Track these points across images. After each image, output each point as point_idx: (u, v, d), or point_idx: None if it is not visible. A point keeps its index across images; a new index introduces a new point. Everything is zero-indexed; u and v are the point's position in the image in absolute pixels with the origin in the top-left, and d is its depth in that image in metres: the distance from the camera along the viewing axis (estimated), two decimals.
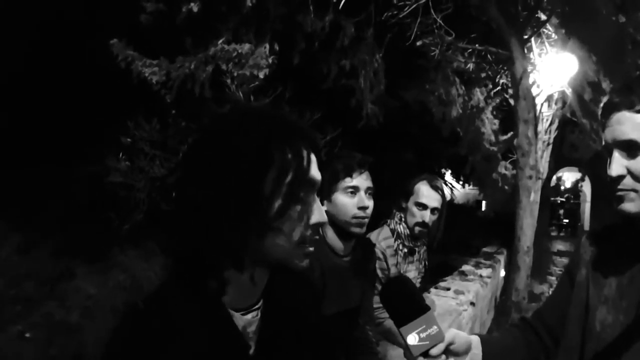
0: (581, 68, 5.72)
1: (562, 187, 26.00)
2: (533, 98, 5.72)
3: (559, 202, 22.45)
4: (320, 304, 1.20)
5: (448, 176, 12.56)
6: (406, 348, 1.04)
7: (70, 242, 7.78)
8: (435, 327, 1.02)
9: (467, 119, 6.59)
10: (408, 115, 6.88)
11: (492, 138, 6.84)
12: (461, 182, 11.30)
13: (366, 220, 1.95)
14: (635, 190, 1.06)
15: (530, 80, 5.76)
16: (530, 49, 6.06)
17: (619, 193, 1.08)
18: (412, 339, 1.01)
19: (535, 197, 5.79)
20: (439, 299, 4.80)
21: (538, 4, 5.75)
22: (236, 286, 0.82)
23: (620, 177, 1.06)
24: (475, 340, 1.25)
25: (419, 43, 5.66)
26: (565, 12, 5.19)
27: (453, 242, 8.62)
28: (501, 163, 7.16)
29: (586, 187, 17.03)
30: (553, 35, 6.21)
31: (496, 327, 6.21)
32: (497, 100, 6.93)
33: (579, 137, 8.12)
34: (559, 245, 14.80)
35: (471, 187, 19.10)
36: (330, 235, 2.00)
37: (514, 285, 5.92)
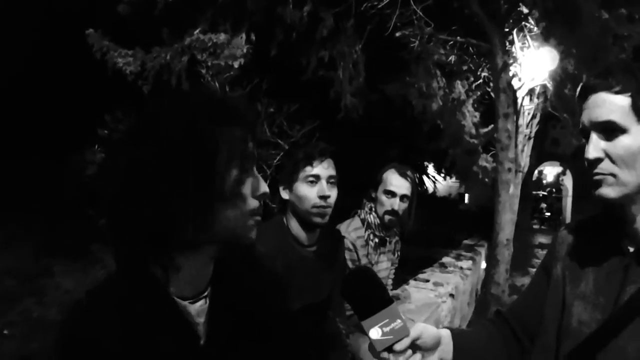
0: (562, 63, 5.72)
1: (544, 181, 26.35)
2: (514, 92, 5.70)
3: (540, 195, 22.74)
4: (282, 294, 1.15)
5: (430, 169, 12.61)
6: (370, 343, 1.00)
7: (52, 238, 7.69)
8: (399, 321, 0.97)
9: (448, 112, 6.56)
10: (389, 108, 6.83)
11: (473, 131, 6.83)
12: (443, 175, 11.32)
13: (328, 210, 1.90)
14: (613, 175, 1.02)
15: (512, 73, 5.74)
16: (512, 42, 6.04)
17: (597, 177, 1.04)
18: (375, 333, 0.96)
19: (514, 190, 5.79)
20: (418, 290, 4.77)
21: None
22: (183, 273, 0.81)
23: (598, 161, 1.02)
24: (446, 334, 1.19)
25: (398, 34, 5.59)
26: (547, 6, 5.16)
27: (434, 235, 8.63)
28: (482, 156, 7.16)
29: (567, 182, 17.23)
30: (535, 29, 6.19)
31: (477, 321, 6.22)
32: (478, 93, 6.91)
33: (561, 132, 8.15)
34: (541, 238, 14.94)
35: (454, 180, 19.24)
36: (294, 225, 1.96)
37: (494, 279, 5.92)
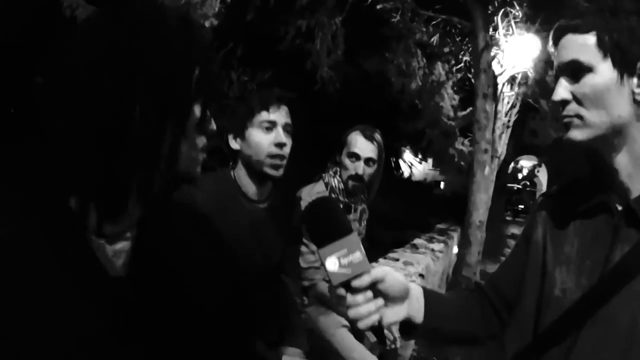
0: (544, 50, 5.67)
1: (520, 175, 26.78)
2: (494, 76, 5.63)
3: (515, 189, 23.07)
4: (218, 250, 1.06)
5: (408, 154, 12.57)
6: (327, 277, 0.89)
7: None
8: (359, 254, 0.87)
9: (427, 92, 6.46)
10: (367, 85, 6.67)
11: (451, 113, 6.74)
12: (419, 159, 11.28)
13: (283, 161, 1.76)
14: (579, 116, 0.96)
15: (495, 60, 5.67)
16: (496, 28, 5.96)
17: (565, 120, 0.98)
18: (332, 264, 0.87)
19: (490, 173, 5.74)
20: None
21: None
22: (108, 210, 0.73)
23: (564, 102, 0.97)
24: (417, 290, 1.07)
25: (379, 6, 5.43)
26: None
27: (407, 218, 8.58)
28: (459, 139, 7.10)
29: (542, 176, 17.47)
30: (519, 15, 6.11)
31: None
32: (459, 76, 6.82)
33: (540, 123, 8.16)
34: (514, 229, 15.15)
35: (430, 167, 19.31)
36: (243, 178, 1.80)
37: (465, 260, 5.88)
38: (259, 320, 1.88)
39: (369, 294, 0.90)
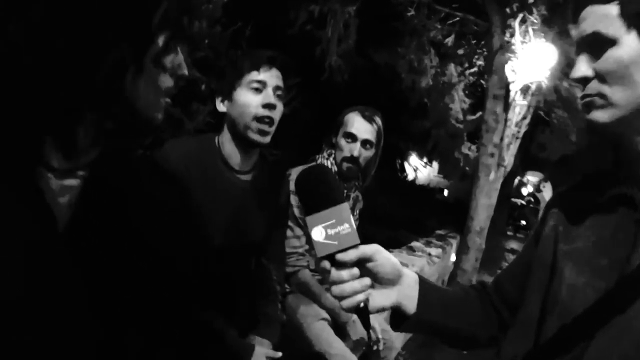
0: (561, 59, 5.50)
1: (525, 191, 26.56)
2: (507, 82, 5.45)
3: (519, 204, 22.85)
4: (178, 210, 1.00)
5: (414, 158, 12.43)
6: (313, 248, 0.86)
7: None
8: (347, 225, 0.82)
9: (437, 92, 6.28)
10: (376, 79, 6.50)
11: (460, 116, 6.57)
12: (424, 163, 11.09)
13: (272, 127, 1.63)
14: (602, 95, 0.86)
15: (509, 67, 5.50)
16: (513, 34, 5.79)
17: (586, 99, 0.88)
18: (318, 234, 0.82)
19: (495, 180, 5.56)
20: None
21: None
22: (76, 141, 0.71)
23: (585, 80, 0.88)
24: (411, 276, 0.98)
25: None
26: None
27: (406, 220, 8.40)
28: (465, 143, 6.92)
29: (546, 193, 17.24)
30: (537, 21, 5.94)
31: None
32: (471, 79, 6.65)
33: (549, 137, 7.98)
34: (514, 244, 15.04)
35: (436, 174, 19.12)
36: (227, 145, 1.67)
37: (462, 267, 5.70)
38: (229, 302, 1.73)
39: (355, 270, 0.84)
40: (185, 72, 0.79)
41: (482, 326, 1.07)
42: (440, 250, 6.69)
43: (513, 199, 18.47)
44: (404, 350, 4.41)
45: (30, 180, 0.69)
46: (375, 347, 2.25)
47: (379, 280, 0.90)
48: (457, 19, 5.78)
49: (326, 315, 2.20)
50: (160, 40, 0.72)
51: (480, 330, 1.06)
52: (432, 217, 9.55)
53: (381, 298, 0.91)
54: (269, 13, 5.56)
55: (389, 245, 6.19)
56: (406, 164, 12.79)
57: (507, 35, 5.25)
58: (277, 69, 1.64)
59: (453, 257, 7.84)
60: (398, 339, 4.12)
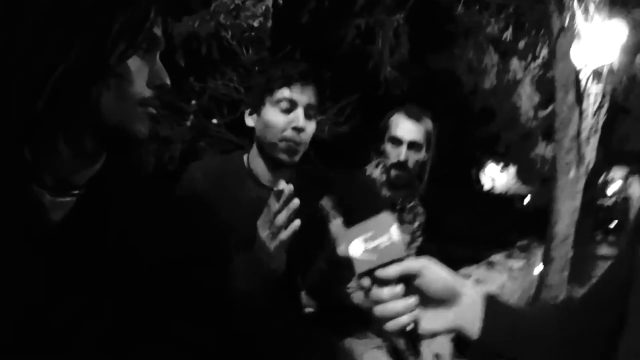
0: (632, 36, 4.95)
1: (611, 190, 24.46)
2: (575, 69, 4.98)
3: (605, 206, 20.94)
4: (183, 232, 0.98)
5: (489, 167, 11.81)
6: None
7: None
8: (387, 237, 0.73)
9: (502, 91, 5.86)
10: (436, 87, 6.22)
11: (531, 114, 6.08)
12: (501, 168, 10.38)
13: (300, 147, 1.50)
14: None
15: (574, 52, 5.03)
16: (573, 17, 5.32)
17: None
18: (356, 249, 0.74)
19: (576, 179, 5.03)
20: None
21: None
22: (58, 158, 0.74)
23: None
24: (473, 295, 0.81)
25: None
26: None
27: (484, 232, 7.88)
28: (540, 143, 6.38)
29: (635, 187, 15.66)
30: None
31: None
32: (537, 72, 6.16)
33: (632, 124, 7.18)
34: (605, 250, 13.83)
35: (514, 181, 18.07)
36: (255, 161, 1.58)
37: (546, 280, 5.12)
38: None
39: (399, 289, 0.74)
40: (167, 81, 0.79)
41: (570, 356, 0.84)
42: (523, 262, 6.19)
43: (599, 200, 16.93)
44: None
45: (23, 193, 0.72)
46: None
47: (429, 300, 0.77)
48: (511, 9, 5.39)
49: (380, 343, 1.97)
50: (120, 48, 0.70)
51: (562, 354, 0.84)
52: (513, 227, 8.93)
53: (433, 320, 0.79)
54: (317, 34, 5.53)
55: (466, 262, 5.81)
56: (481, 174, 12.18)
57: (567, 18, 4.80)
58: (312, 86, 1.51)
59: (538, 270, 7.21)
60: None
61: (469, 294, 0.81)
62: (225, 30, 4.73)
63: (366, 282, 0.75)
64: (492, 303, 0.81)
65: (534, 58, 6.24)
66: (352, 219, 0.76)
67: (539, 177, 7.03)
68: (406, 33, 5.48)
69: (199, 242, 1.01)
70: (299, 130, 1.47)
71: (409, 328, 0.75)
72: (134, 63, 0.74)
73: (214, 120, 6.07)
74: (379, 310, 0.75)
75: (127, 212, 0.84)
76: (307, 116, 1.50)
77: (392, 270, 0.73)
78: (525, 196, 16.79)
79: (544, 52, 6.11)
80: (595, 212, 13.10)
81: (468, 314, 0.80)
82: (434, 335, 0.80)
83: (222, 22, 4.61)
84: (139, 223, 0.85)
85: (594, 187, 10.21)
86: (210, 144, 6.12)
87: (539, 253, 7.51)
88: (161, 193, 0.98)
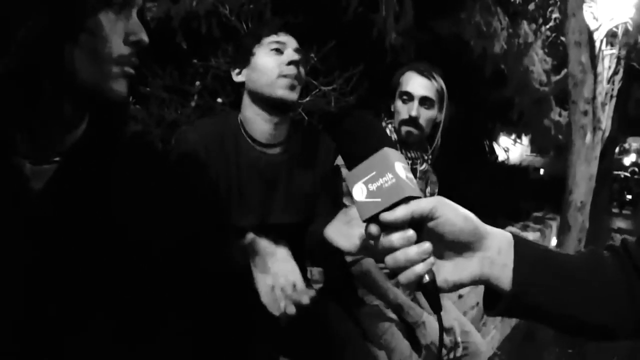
0: None
1: (627, 160, 23.94)
2: (589, 29, 4.75)
3: (622, 176, 20.49)
4: (183, 193, 0.99)
5: (503, 138, 11.60)
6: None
7: None
8: (390, 176, 0.63)
9: (513, 55, 5.65)
10: (442, 52, 6.00)
11: (544, 78, 5.86)
12: (514, 139, 10.09)
13: (298, 82, 1.50)
14: None
15: (588, 13, 4.80)
16: None
17: None
18: (358, 192, 0.65)
19: (592, 144, 4.85)
20: None
21: None
22: (36, 125, 0.73)
23: None
24: (501, 237, 0.68)
25: None
26: None
27: (499, 204, 7.71)
28: (554, 108, 6.16)
29: None
30: None
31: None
32: (548, 35, 5.92)
33: None
34: (620, 223, 13.81)
35: (529, 153, 17.77)
36: (249, 115, 1.53)
37: (563, 250, 4.99)
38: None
39: (410, 233, 0.64)
40: (144, 37, 0.76)
41: (620, 310, 0.69)
42: (538, 234, 6.04)
43: (615, 172, 16.53)
44: (500, 351, 3.88)
45: (2, 164, 0.72)
46: (452, 355, 1.84)
47: (449, 246, 0.67)
48: None
49: (393, 315, 1.87)
50: (90, 3, 0.69)
51: (617, 315, 0.69)
52: (528, 199, 8.74)
53: (454, 269, 0.68)
54: (318, 4, 5.36)
55: None
56: (495, 145, 11.97)
57: None
58: (293, 35, 1.55)
59: (554, 242, 7.06)
60: (489, 340, 3.61)
61: (495, 234, 0.68)
62: (223, 6, 4.57)
63: (373, 229, 0.65)
64: (522, 245, 0.68)
65: (545, 21, 6.01)
66: (353, 160, 0.67)
67: (554, 145, 6.83)
68: None
69: (199, 204, 1.02)
70: (294, 63, 1.48)
71: (426, 279, 0.65)
72: (108, 19, 0.71)
73: (219, 100, 5.98)
74: (390, 260, 0.65)
75: (112, 178, 0.82)
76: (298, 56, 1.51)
77: (400, 212, 0.63)
78: (539, 167, 16.53)
79: (555, 14, 5.88)
80: (611, 183, 12.80)
81: (497, 260, 0.67)
82: (456, 287, 0.69)
83: None
84: (124, 189, 0.83)
85: (610, 157, 9.94)
86: None
87: (554, 225, 7.36)
88: (151, 156, 0.94)
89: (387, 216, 0.64)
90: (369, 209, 0.65)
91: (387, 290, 1.82)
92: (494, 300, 0.69)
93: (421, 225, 0.65)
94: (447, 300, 2.14)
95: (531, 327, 4.20)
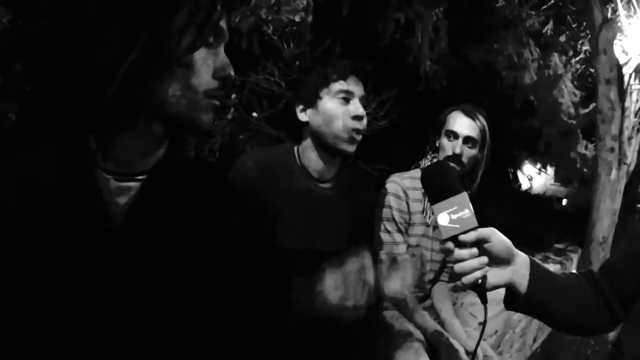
0: None
1: None
2: (618, 64, 4.82)
3: None
4: (245, 220, 1.01)
5: (527, 166, 11.53)
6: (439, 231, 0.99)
7: None
8: (467, 211, 0.96)
9: (543, 86, 5.74)
10: (475, 81, 6.13)
11: (572, 110, 5.94)
12: (539, 168, 10.12)
13: (359, 137, 1.57)
14: None
15: (618, 47, 4.89)
16: (615, 10, 5.16)
17: None
18: (443, 219, 0.97)
19: (617, 180, 4.89)
20: None
21: None
22: (116, 146, 0.77)
23: None
24: (522, 258, 1.05)
25: None
26: None
27: (521, 233, 7.71)
28: (581, 142, 6.22)
29: None
30: None
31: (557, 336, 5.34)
32: (578, 67, 6.01)
33: None
34: None
35: (553, 182, 17.57)
36: (308, 152, 1.63)
37: None
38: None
39: (474, 250, 0.95)
40: (231, 72, 0.81)
41: (592, 314, 1.08)
42: (558, 266, 6.05)
43: (638, 204, 16.11)
44: None
45: (90, 178, 0.75)
46: None
47: (494, 260, 0.98)
48: (552, 1, 5.28)
49: (420, 336, 2.02)
50: (187, 40, 0.73)
51: (590, 317, 1.08)
52: (550, 229, 8.70)
53: (495, 276, 0.99)
54: (356, 28, 5.54)
55: None
56: (519, 173, 11.92)
57: (609, 11, 4.67)
58: (361, 80, 1.60)
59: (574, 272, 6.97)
60: None
61: (520, 254, 1.03)
62: (266, 25, 4.77)
63: (450, 245, 0.95)
64: (535, 264, 1.04)
65: (575, 53, 6.10)
66: (435, 197, 0.97)
67: (578, 177, 6.85)
68: (445, 27, 5.45)
69: (252, 230, 1.04)
70: (359, 118, 1.54)
71: (479, 282, 0.95)
72: (200, 55, 0.76)
73: (254, 114, 6.14)
74: (458, 267, 0.95)
75: (193, 197, 0.87)
76: (362, 106, 1.57)
77: (471, 236, 0.94)
78: (562, 197, 16.34)
79: (586, 47, 5.96)
80: (634, 216, 12.56)
81: (520, 272, 1.01)
82: (494, 288, 1.00)
83: (264, 17, 4.66)
84: (205, 208, 0.88)
85: (635, 191, 9.84)
86: (249, 137, 6.19)
87: (575, 257, 7.33)
88: (220, 179, 1.00)
89: (464, 237, 0.94)
90: (450, 231, 0.95)
91: (417, 312, 2.00)
92: (512, 300, 1.04)
93: (481, 245, 0.96)
94: (469, 327, 2.26)
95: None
